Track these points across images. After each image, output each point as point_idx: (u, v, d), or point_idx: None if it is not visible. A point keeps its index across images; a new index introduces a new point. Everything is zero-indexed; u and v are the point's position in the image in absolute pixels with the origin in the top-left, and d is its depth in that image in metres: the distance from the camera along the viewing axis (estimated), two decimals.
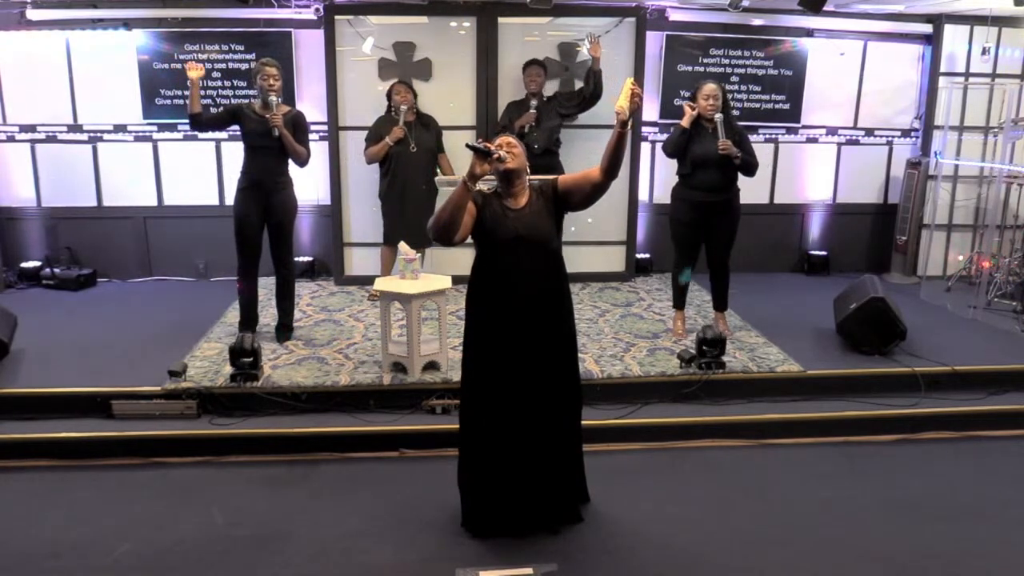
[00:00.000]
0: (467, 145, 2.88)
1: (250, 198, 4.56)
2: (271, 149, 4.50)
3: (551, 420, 3.10)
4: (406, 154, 5.39)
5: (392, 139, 5.34)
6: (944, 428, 4.18)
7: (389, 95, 5.46)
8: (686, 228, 4.75)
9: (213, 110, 5.97)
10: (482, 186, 3.04)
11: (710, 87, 4.56)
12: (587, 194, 3.01)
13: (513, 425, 3.05)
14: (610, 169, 2.91)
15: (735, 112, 6.30)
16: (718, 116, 4.50)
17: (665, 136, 6.32)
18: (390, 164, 5.45)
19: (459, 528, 3.21)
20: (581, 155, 5.76)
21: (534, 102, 5.50)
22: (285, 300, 4.83)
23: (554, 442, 3.13)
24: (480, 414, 3.10)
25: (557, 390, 3.09)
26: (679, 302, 5.00)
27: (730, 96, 6.27)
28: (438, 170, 5.57)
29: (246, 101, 4.64)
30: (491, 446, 3.09)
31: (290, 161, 4.60)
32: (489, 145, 2.89)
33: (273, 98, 4.42)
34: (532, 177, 3.11)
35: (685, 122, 4.58)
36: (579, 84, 5.86)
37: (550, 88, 5.85)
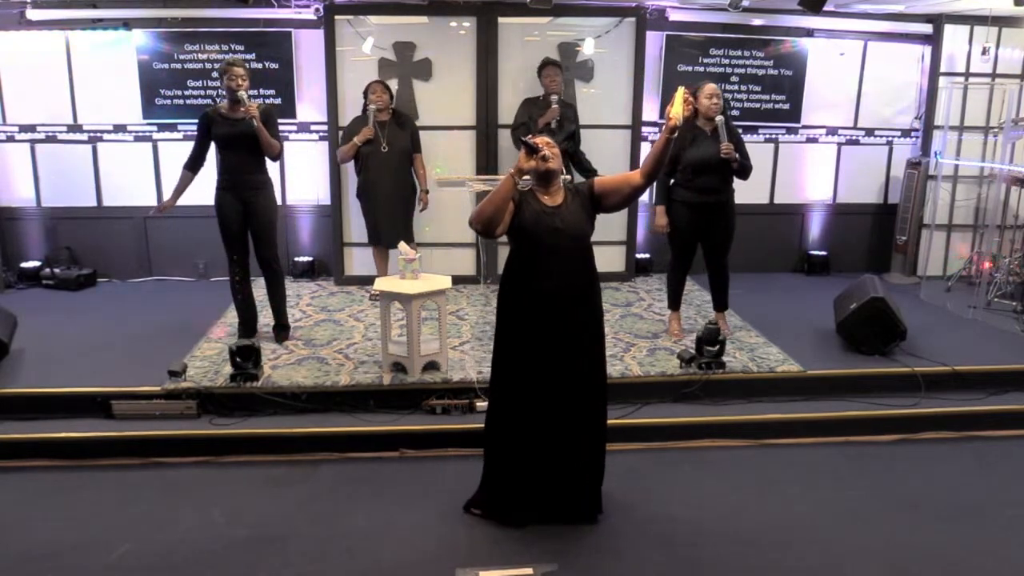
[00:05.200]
0: (521, 139, 3.02)
1: (230, 197, 4.56)
2: (243, 148, 4.48)
3: (578, 415, 3.14)
4: (377, 154, 5.34)
5: (360, 139, 5.28)
6: (944, 428, 4.18)
7: (365, 94, 5.39)
8: (684, 230, 4.73)
9: (208, 110, 6.01)
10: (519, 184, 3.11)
11: (711, 87, 4.56)
12: (625, 195, 3.11)
13: (541, 419, 3.10)
14: (652, 173, 3.02)
15: (734, 112, 6.33)
16: (719, 119, 4.50)
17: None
18: (363, 163, 5.42)
19: (459, 528, 3.21)
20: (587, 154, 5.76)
21: (555, 97, 5.46)
22: (276, 300, 4.81)
23: (580, 437, 3.17)
24: (510, 407, 3.15)
25: (585, 386, 3.13)
26: (674, 303, 5.00)
27: (730, 96, 6.31)
28: (412, 171, 5.53)
29: (211, 107, 4.63)
30: (520, 438, 3.14)
31: (266, 159, 4.59)
32: (538, 142, 2.97)
33: (243, 94, 4.38)
34: (566, 177, 3.19)
35: (660, 224, 4.75)
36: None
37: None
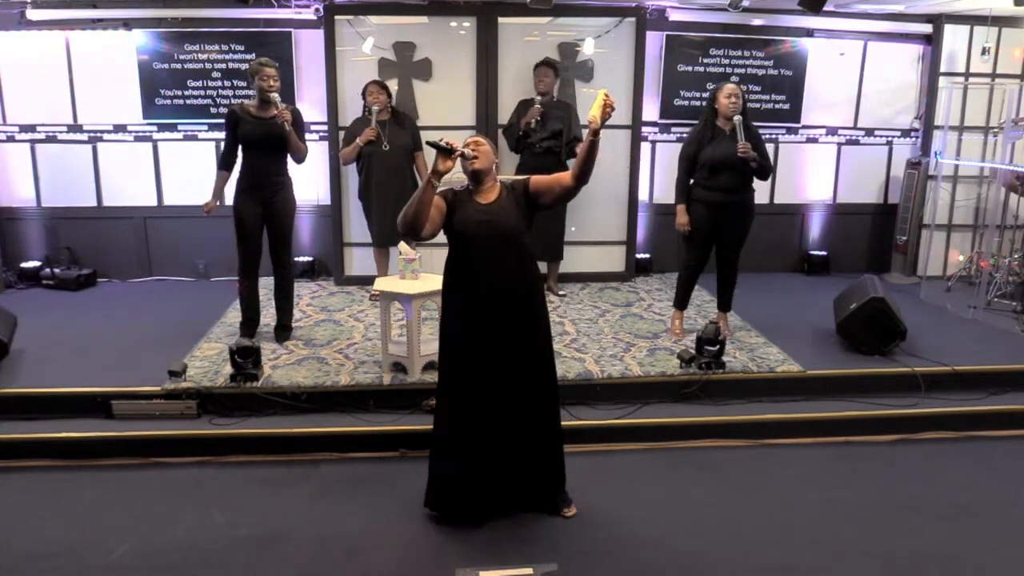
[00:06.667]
0: (428, 142, 2.98)
1: (250, 199, 4.55)
2: (269, 149, 4.49)
3: (522, 411, 3.15)
4: (379, 153, 5.35)
5: (363, 140, 5.30)
6: (944, 428, 4.18)
7: (363, 94, 5.42)
8: (701, 229, 4.71)
9: (212, 110, 6.02)
10: (455, 184, 3.12)
11: (731, 86, 4.56)
12: (557, 195, 3.10)
13: (485, 414, 3.11)
14: (581, 175, 2.99)
15: None
16: (737, 118, 4.49)
17: (666, 136, 6.38)
18: (364, 164, 5.43)
19: (459, 528, 3.21)
20: None
21: (539, 98, 5.49)
22: (284, 301, 4.82)
23: (526, 434, 3.17)
24: (454, 404, 3.16)
25: (528, 383, 3.14)
26: (682, 302, 4.99)
27: None
28: (414, 169, 5.54)
29: (237, 103, 4.64)
30: (463, 436, 3.15)
31: (288, 160, 4.60)
32: (452, 143, 2.93)
33: (275, 96, 4.41)
34: (504, 177, 3.19)
35: (681, 222, 4.73)
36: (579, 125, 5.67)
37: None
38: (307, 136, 6.08)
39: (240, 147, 4.54)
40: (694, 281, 4.95)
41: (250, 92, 5.67)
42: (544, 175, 3.17)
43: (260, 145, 4.48)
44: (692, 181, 4.72)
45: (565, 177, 3.05)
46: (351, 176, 5.95)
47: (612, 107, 2.82)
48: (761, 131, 6.39)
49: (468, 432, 3.14)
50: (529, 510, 3.28)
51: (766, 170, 4.63)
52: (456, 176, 3.04)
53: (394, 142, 5.37)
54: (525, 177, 3.16)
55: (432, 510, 3.29)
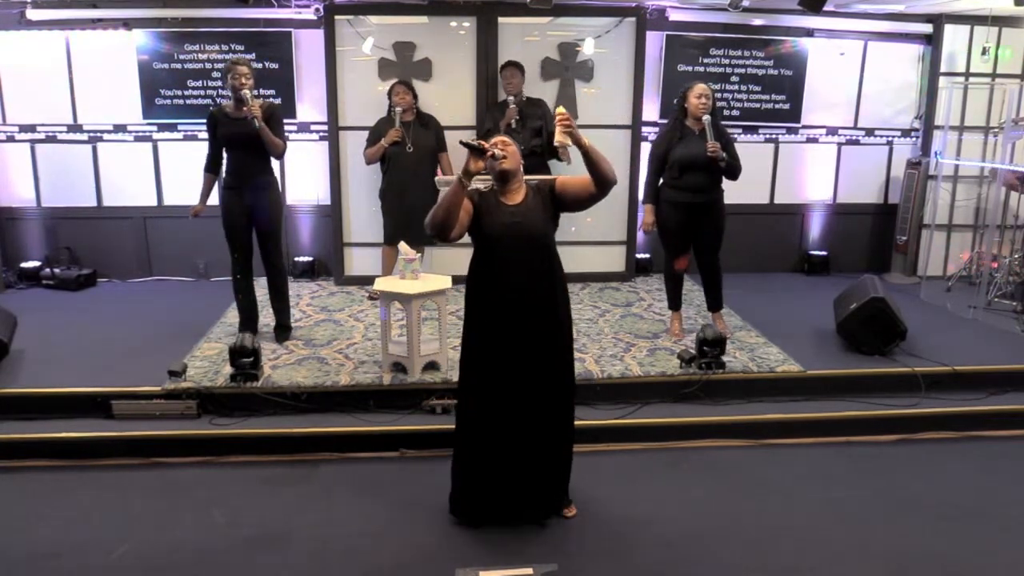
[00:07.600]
0: (461, 142, 2.95)
1: (233, 198, 4.56)
2: (248, 148, 4.46)
3: (542, 412, 3.14)
4: (403, 154, 5.39)
5: (387, 141, 5.34)
6: (944, 428, 4.18)
7: (389, 95, 5.46)
8: (672, 230, 4.76)
9: (213, 110, 6.01)
10: (479, 185, 3.10)
11: (701, 86, 4.59)
12: (583, 199, 3.08)
13: (505, 416, 3.10)
14: (598, 183, 2.98)
15: (735, 112, 6.33)
16: (706, 118, 4.50)
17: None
18: (388, 164, 5.46)
19: (459, 528, 3.22)
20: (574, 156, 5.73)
21: (511, 98, 5.49)
22: (279, 301, 4.82)
23: (544, 435, 3.17)
24: (475, 406, 3.15)
25: (548, 384, 3.13)
26: (674, 303, 5.00)
27: (730, 96, 6.32)
28: (439, 169, 5.56)
29: (215, 106, 4.65)
30: (484, 438, 3.14)
31: (272, 159, 4.59)
32: (484, 143, 2.93)
33: (247, 93, 4.37)
34: (530, 177, 3.16)
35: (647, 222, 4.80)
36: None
37: (540, 90, 5.86)
38: (307, 136, 6.15)
39: (223, 148, 4.55)
40: (678, 281, 4.98)
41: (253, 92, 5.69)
42: (570, 177, 3.16)
43: (238, 145, 4.48)
44: (661, 181, 4.75)
45: (589, 181, 3.02)
46: (351, 176, 5.96)
47: (567, 122, 2.84)
48: (761, 131, 6.46)
49: (493, 434, 3.13)
50: (531, 510, 3.27)
51: (735, 170, 4.63)
52: (478, 177, 3.02)
53: (418, 143, 5.40)
54: (551, 178, 3.16)
55: (458, 518, 3.26)
